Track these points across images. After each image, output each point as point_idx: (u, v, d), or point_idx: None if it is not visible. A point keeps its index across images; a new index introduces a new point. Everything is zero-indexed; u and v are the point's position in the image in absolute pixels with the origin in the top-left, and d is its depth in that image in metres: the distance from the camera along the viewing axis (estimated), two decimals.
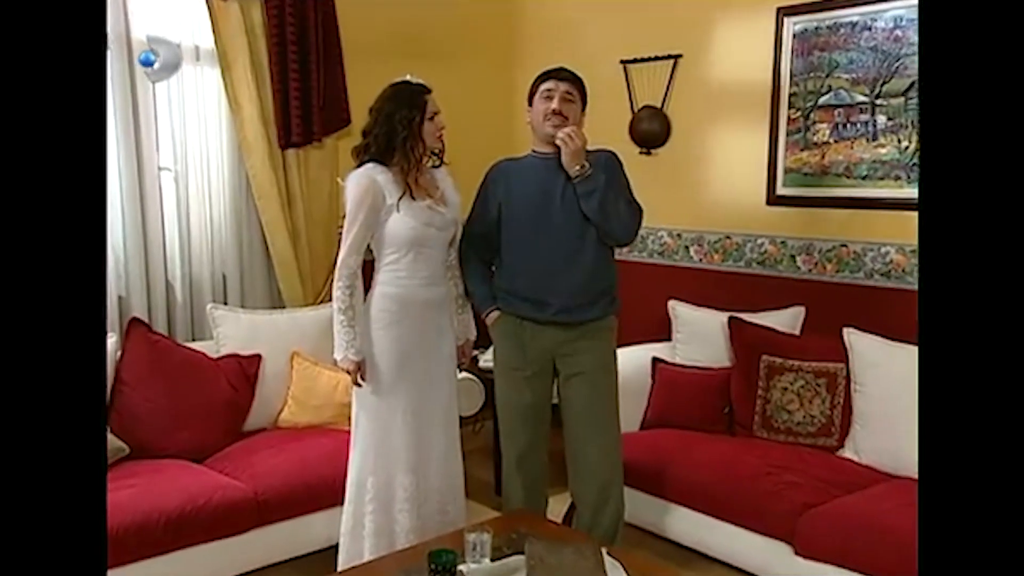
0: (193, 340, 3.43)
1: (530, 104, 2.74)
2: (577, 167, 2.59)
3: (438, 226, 2.63)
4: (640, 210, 2.73)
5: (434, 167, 2.73)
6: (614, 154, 2.77)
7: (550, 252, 2.66)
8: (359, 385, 2.63)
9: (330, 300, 3.48)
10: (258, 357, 3.29)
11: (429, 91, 2.63)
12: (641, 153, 3.89)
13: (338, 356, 2.62)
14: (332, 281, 2.66)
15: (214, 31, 3.36)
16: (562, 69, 2.70)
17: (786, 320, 3.33)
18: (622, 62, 3.96)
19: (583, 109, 2.72)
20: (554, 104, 2.64)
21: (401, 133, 2.55)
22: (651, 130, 3.88)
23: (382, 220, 2.58)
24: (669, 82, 3.82)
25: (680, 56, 3.78)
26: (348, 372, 2.63)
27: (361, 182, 2.56)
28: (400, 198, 2.56)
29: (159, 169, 3.39)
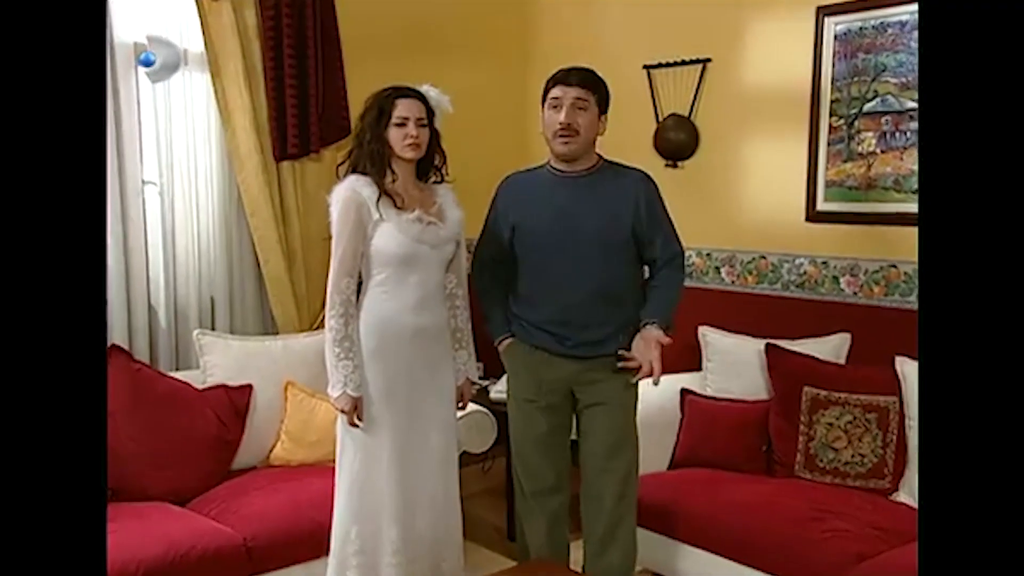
0: (177, 369, 3.37)
1: (543, 111, 2.66)
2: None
3: (431, 243, 2.54)
4: (680, 253, 2.72)
5: (435, 183, 2.67)
6: (648, 178, 2.71)
7: (570, 281, 2.60)
8: (356, 426, 2.53)
9: None
10: (249, 388, 3.22)
11: (410, 95, 2.53)
12: (667, 166, 3.84)
13: (334, 393, 2.52)
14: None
15: (204, 33, 3.32)
16: (572, 71, 2.60)
17: (830, 348, 3.25)
18: (645, 67, 3.91)
19: (604, 111, 2.63)
20: (562, 116, 2.55)
21: (367, 139, 2.51)
22: (678, 140, 3.83)
23: (369, 236, 2.50)
24: (697, 88, 3.77)
25: (709, 60, 3.73)
26: (344, 411, 2.52)
27: (343, 195, 2.50)
28: (385, 210, 2.49)
29: (143, 183, 3.34)
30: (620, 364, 2.59)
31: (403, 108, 2.50)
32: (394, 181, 2.55)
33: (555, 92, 2.59)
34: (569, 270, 2.59)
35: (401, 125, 2.49)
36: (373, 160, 2.51)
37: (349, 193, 2.50)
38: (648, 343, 2.57)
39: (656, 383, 2.57)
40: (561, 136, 2.57)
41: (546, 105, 2.62)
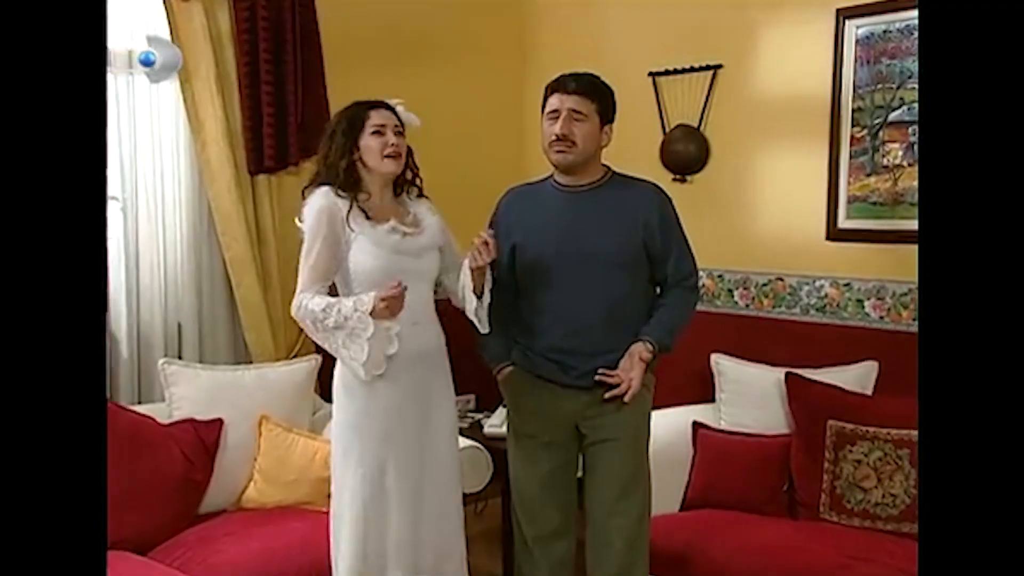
0: (140, 402, 3.33)
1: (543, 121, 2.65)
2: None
3: (410, 253, 2.52)
4: (693, 272, 2.71)
5: (417, 198, 2.67)
6: (661, 190, 2.69)
7: (576, 305, 2.57)
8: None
9: (307, 354, 3.39)
10: (219, 423, 3.17)
11: (381, 106, 2.54)
12: (675, 180, 3.82)
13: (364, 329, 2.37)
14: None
15: (172, 35, 3.30)
16: (570, 78, 2.57)
17: (855, 377, 3.21)
18: (651, 74, 3.91)
19: (608, 121, 2.60)
20: (557, 127, 2.53)
21: (336, 157, 2.50)
22: (686, 153, 3.82)
23: (344, 252, 2.47)
24: (707, 97, 3.77)
25: (720, 67, 3.73)
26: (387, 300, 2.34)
27: (318, 203, 2.48)
28: (359, 223, 2.47)
29: None
30: (597, 378, 2.56)
31: (378, 117, 2.52)
32: (368, 198, 2.54)
33: (552, 101, 2.58)
34: (575, 293, 2.56)
35: (378, 133, 2.50)
36: (344, 176, 2.51)
37: (324, 201, 2.48)
38: (631, 358, 2.55)
39: (626, 401, 2.53)
40: (556, 147, 2.56)
41: (544, 115, 2.61)
